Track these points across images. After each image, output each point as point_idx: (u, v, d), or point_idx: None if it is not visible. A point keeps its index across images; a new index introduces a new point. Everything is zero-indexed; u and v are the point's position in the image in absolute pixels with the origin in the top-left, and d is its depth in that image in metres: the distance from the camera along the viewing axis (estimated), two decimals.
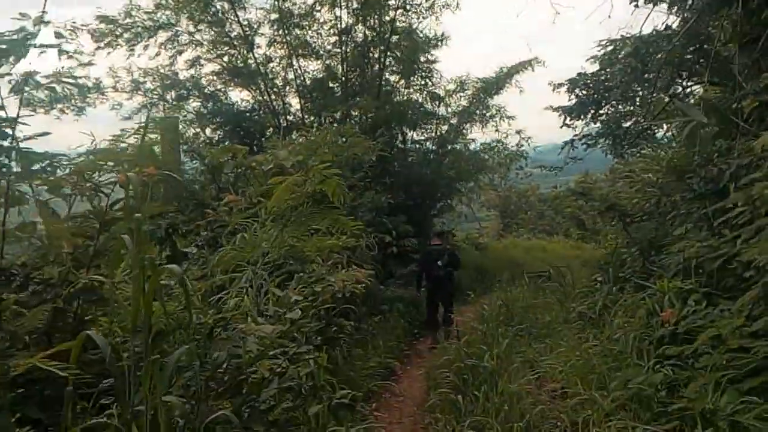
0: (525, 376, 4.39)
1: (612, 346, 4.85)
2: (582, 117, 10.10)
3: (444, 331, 7.65)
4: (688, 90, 8.40)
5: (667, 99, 8.87)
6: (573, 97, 9.93)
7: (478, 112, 14.19)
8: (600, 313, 6.05)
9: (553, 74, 11.16)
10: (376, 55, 13.21)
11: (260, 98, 14.01)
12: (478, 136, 13.87)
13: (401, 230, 10.81)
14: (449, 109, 13.96)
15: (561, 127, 10.88)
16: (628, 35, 9.16)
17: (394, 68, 13.51)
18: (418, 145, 14.54)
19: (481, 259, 14.78)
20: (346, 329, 4.96)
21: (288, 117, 13.80)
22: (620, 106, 7.93)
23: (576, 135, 10.44)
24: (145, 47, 12.19)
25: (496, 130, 13.88)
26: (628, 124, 8.49)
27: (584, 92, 9.61)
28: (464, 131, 14.32)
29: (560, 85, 10.02)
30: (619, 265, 8.32)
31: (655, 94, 7.56)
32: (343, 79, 13.58)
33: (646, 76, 7.18)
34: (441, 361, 5.34)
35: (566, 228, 33.57)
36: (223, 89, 14.12)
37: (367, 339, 6.38)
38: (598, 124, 9.94)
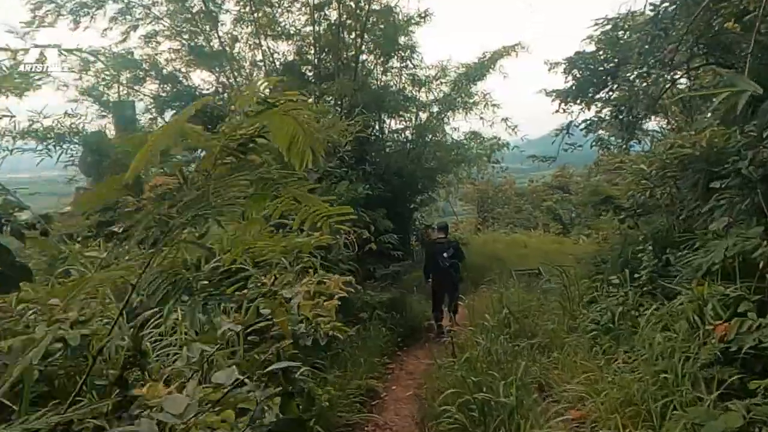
0: (549, 414, 3.44)
1: (639, 365, 3.98)
2: (579, 101, 9.25)
3: (451, 317, 8.13)
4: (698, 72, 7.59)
5: (669, 81, 8.10)
6: (570, 78, 9.07)
7: (460, 99, 13.27)
8: (618, 321, 5.17)
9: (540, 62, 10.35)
10: (352, 37, 12.16)
11: (225, 80, 12.83)
12: (461, 124, 12.95)
13: (381, 225, 9.82)
14: (430, 96, 13.00)
15: (554, 113, 10.04)
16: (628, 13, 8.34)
17: (371, 50, 12.46)
18: (396, 135, 13.58)
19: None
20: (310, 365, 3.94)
21: None
22: (636, 81, 7.04)
23: (573, 120, 9.59)
24: (92, 18, 10.85)
25: (481, 118, 12.99)
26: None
27: (584, 73, 8.75)
28: (446, 119, 13.39)
29: (556, 64, 9.14)
30: (623, 263, 7.55)
31: (667, 74, 6.71)
32: (316, 61, 12.52)
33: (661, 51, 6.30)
34: (438, 382, 4.37)
35: (545, 222, 33.19)
36: (183, 70, 12.87)
37: (345, 355, 5.40)
38: (602, 107, 9.10)
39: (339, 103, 11.14)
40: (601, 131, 14.96)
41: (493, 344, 4.61)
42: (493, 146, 14.71)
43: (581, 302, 6.70)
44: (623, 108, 7.02)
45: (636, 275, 5.94)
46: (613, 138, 16.80)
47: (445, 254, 8.20)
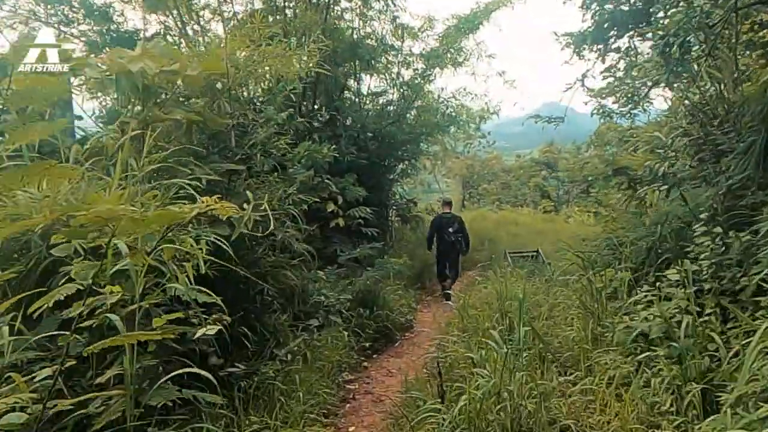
0: None
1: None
2: (597, 47, 7.50)
3: (449, 284, 8.84)
4: None
5: None
6: (588, 16, 7.30)
7: (449, 55, 11.40)
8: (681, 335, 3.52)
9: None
10: None
11: (173, 24, 10.78)
12: (451, 81, 11.15)
13: (350, 195, 8.06)
14: (415, 47, 11.10)
15: (564, 64, 8.30)
16: None
17: None
18: (375, 98, 11.69)
19: None
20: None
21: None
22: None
23: (589, 69, 7.88)
24: None
25: (473, 73, 11.19)
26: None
27: (608, 7, 6.98)
28: (432, 77, 11.52)
29: None
30: (649, 249, 6.05)
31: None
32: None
33: None
34: None
35: (534, 199, 31.72)
36: (121, 12, 10.76)
37: (291, 371, 3.72)
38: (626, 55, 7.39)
39: (303, 41, 9.21)
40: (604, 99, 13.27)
41: (500, 380, 2.92)
42: (483, 114, 13.05)
43: (606, 299, 5.07)
44: (675, 37, 5.26)
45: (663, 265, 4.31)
46: (616, 106, 15.11)
47: (450, 228, 8.78)
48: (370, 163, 9.54)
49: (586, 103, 11.11)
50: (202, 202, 2.27)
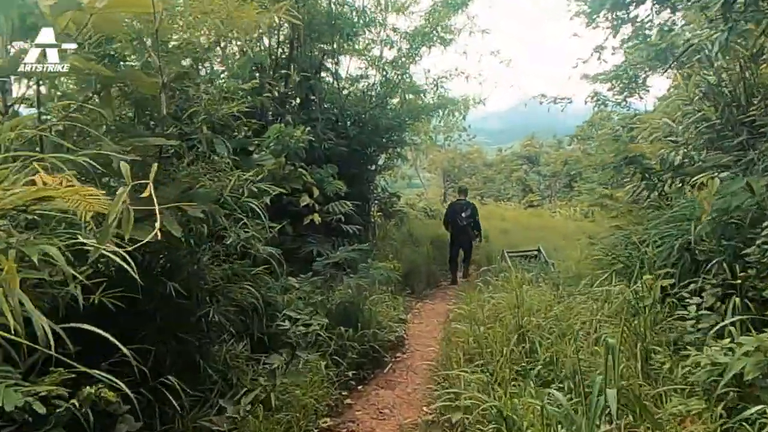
0: None
1: None
2: (614, 15, 6.49)
3: (464, 269, 9.38)
4: None
5: None
6: None
7: (435, 33, 10.30)
8: None
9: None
10: None
11: None
12: (439, 60, 10.05)
13: (329, 188, 6.91)
14: (399, 22, 9.96)
15: (573, 36, 7.28)
16: None
17: None
18: (357, 82, 10.50)
19: (436, 229, 11.17)
20: None
21: None
22: None
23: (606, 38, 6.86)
24: None
25: (464, 52, 10.12)
26: None
27: None
28: (419, 57, 10.39)
29: None
30: (683, 247, 5.24)
31: None
32: None
33: None
34: None
35: (517, 194, 30.91)
36: None
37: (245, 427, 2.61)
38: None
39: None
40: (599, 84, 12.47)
41: None
42: (467, 102, 12.07)
43: (652, 320, 4.07)
44: None
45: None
46: (611, 93, 14.26)
47: (463, 214, 9.12)
48: (350, 151, 8.40)
49: (569, 102, 10.25)
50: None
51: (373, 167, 9.94)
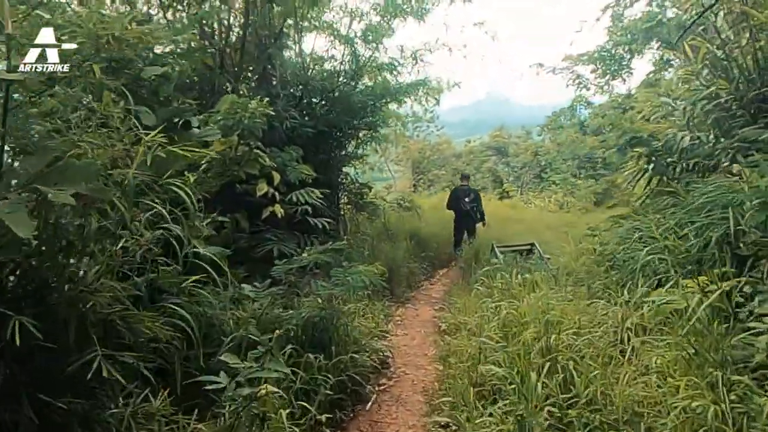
0: None
1: None
2: None
3: (468, 243, 9.13)
4: None
5: None
6: None
7: (410, 3, 9.20)
8: None
9: None
10: None
11: None
12: (415, 33, 9.00)
13: (293, 174, 5.74)
14: None
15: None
16: None
17: None
18: (324, 62, 9.29)
19: (415, 222, 10.10)
20: None
21: None
22: None
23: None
24: None
25: (444, 24, 9.08)
26: None
27: None
28: (392, 31, 9.26)
29: None
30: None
31: None
32: None
33: None
34: None
35: (485, 185, 30.15)
36: None
37: None
38: None
39: None
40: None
41: None
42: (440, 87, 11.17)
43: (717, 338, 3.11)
44: None
45: None
46: (594, 76, 13.52)
47: (467, 199, 9.42)
48: (317, 133, 7.22)
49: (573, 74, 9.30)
50: None
51: (344, 153, 8.79)
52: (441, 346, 4.64)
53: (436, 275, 8.83)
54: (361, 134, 9.08)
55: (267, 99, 5.39)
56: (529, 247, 7.55)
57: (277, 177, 5.32)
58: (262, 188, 5.20)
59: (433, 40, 9.11)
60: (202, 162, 4.51)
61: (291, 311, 3.73)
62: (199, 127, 4.51)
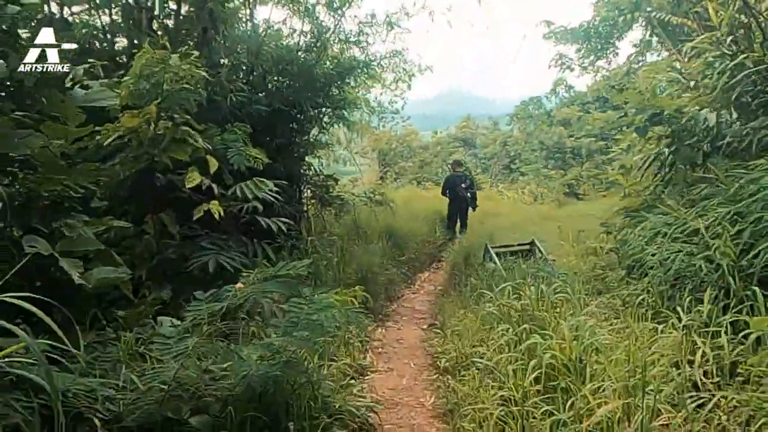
0: None
1: None
2: None
3: (460, 232, 9.73)
4: None
5: None
6: None
7: None
8: None
9: None
10: None
11: None
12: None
13: (237, 159, 4.37)
14: None
15: None
16: None
17: None
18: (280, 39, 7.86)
19: (390, 218, 8.78)
20: None
21: None
22: None
23: None
24: None
25: None
26: None
27: None
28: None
29: None
30: None
31: None
32: None
33: None
34: None
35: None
36: None
37: None
38: None
39: None
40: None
41: None
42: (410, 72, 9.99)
43: None
44: None
45: None
46: (577, 57, 12.65)
47: (463, 185, 9.80)
48: (273, 111, 5.86)
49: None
50: None
51: (306, 138, 7.41)
52: (442, 392, 3.40)
53: (417, 280, 7.60)
54: (326, 118, 7.73)
55: (206, 67, 4.03)
56: (528, 247, 6.39)
57: (214, 164, 3.95)
58: (193, 179, 3.81)
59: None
60: (96, 140, 3.13)
61: (226, 364, 2.41)
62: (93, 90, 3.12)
